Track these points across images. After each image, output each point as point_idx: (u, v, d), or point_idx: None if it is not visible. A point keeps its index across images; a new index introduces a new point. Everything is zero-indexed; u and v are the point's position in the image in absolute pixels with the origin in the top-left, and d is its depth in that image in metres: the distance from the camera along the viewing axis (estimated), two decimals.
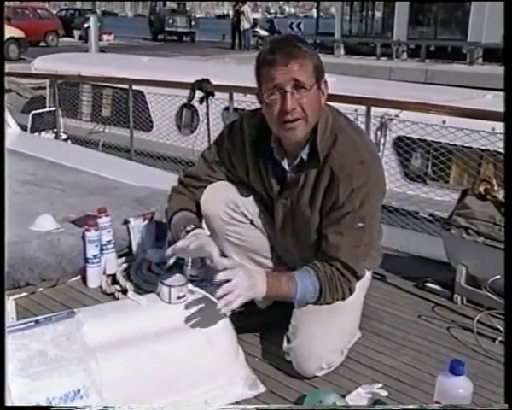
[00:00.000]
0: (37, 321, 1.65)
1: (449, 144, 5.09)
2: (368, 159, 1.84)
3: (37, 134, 6.87)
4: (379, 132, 5.85)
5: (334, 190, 1.82)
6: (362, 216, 1.82)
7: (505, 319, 1.49)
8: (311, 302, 1.88)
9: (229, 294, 1.69)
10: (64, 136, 7.01)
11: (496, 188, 2.32)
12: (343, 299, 1.89)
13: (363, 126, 4.02)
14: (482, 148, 4.84)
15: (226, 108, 6.28)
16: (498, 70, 14.15)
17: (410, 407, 1.73)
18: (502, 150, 4.55)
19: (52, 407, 1.45)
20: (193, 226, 1.89)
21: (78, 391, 1.53)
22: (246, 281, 1.73)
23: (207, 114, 4.82)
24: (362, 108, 4.02)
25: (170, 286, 1.80)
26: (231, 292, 1.69)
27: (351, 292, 1.89)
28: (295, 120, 1.78)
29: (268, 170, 1.97)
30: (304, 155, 1.88)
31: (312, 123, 1.83)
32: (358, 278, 1.90)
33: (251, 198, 2.06)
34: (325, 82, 1.83)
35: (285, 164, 1.93)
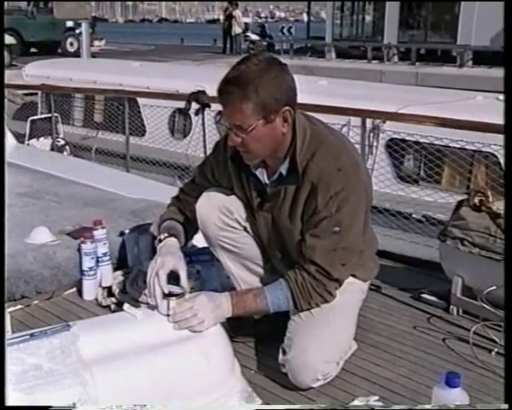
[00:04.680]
0: (32, 334, 1.64)
1: (441, 145, 5.13)
2: (346, 165, 1.85)
3: (35, 140, 6.87)
4: (371, 135, 5.87)
5: (314, 200, 1.85)
6: (338, 220, 1.84)
7: (505, 315, 1.49)
8: (291, 310, 1.93)
9: (194, 318, 1.76)
10: (62, 142, 7.00)
11: (491, 199, 2.34)
12: (326, 302, 1.91)
13: (358, 138, 4.06)
14: (474, 149, 4.88)
15: (219, 112, 6.30)
16: (488, 72, 14.34)
17: (406, 407, 1.74)
18: (494, 151, 4.60)
19: (51, 406, 1.44)
20: (166, 235, 2.00)
21: (74, 405, 1.51)
22: (207, 304, 1.80)
23: (203, 125, 4.83)
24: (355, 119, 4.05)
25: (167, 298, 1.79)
26: (196, 315, 1.76)
27: (331, 295, 1.91)
28: (243, 151, 1.86)
29: (250, 183, 2.01)
30: (283, 169, 1.91)
31: (264, 153, 1.88)
32: (337, 280, 1.91)
33: (244, 207, 2.08)
34: (288, 110, 1.80)
35: (264, 178, 1.97)
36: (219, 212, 2.05)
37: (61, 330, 1.67)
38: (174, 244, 1.99)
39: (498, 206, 2.28)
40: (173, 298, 1.80)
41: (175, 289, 1.83)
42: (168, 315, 1.78)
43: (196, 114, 4.71)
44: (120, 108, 6.79)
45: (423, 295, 2.54)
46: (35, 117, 7.33)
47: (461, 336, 2.25)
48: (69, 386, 1.52)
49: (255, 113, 1.77)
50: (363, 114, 3.86)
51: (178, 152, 7.17)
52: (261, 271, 2.14)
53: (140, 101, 7.47)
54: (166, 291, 1.82)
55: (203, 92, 4.50)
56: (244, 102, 1.75)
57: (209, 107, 4.64)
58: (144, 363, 1.67)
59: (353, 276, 2.04)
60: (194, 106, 4.66)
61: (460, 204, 2.44)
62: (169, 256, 1.91)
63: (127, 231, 2.73)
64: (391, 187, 5.41)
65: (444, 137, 4.78)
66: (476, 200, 2.35)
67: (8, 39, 19.57)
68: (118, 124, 7.49)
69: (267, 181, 1.97)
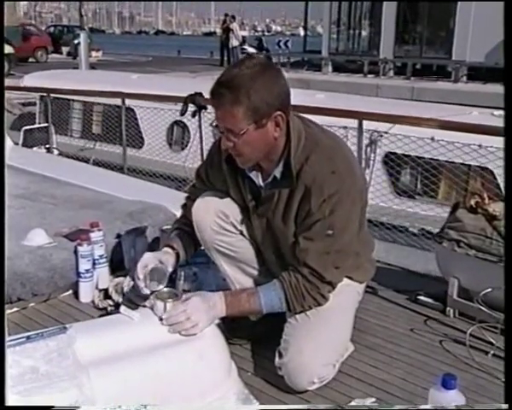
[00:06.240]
0: (28, 337, 1.64)
1: (437, 160, 5.16)
2: (340, 168, 1.85)
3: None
4: (368, 149, 5.91)
5: (307, 202, 1.85)
6: (331, 223, 1.84)
7: (505, 312, 1.49)
8: (284, 311, 1.93)
9: (187, 321, 1.75)
10: (56, 152, 7.00)
11: (486, 201, 2.35)
12: (318, 305, 1.91)
13: (354, 140, 4.08)
14: (469, 163, 4.92)
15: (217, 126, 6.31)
16: (482, 88, 14.51)
17: (405, 407, 1.74)
18: (488, 165, 4.65)
19: (52, 406, 1.44)
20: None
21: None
22: (201, 306, 1.80)
23: (200, 127, 4.84)
24: (352, 123, 4.06)
25: (164, 300, 1.79)
26: (189, 319, 1.76)
27: (324, 298, 1.91)
28: (235, 155, 1.87)
29: (246, 186, 2.01)
30: (277, 173, 1.91)
31: (256, 157, 1.88)
32: (331, 283, 1.91)
33: (240, 210, 2.08)
34: (280, 115, 1.79)
35: (259, 181, 1.97)
36: (215, 216, 2.05)
37: (57, 333, 1.67)
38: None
39: (494, 208, 2.30)
40: (169, 300, 1.80)
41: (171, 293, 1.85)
42: (161, 319, 1.78)
43: (193, 115, 4.72)
44: (118, 119, 6.80)
45: (420, 297, 2.54)
46: (28, 127, 7.32)
47: (457, 338, 2.25)
48: (66, 388, 1.51)
49: (246, 117, 1.76)
50: (359, 115, 3.88)
51: (176, 164, 7.18)
52: (256, 273, 2.14)
53: (137, 112, 7.49)
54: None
55: (200, 94, 4.52)
56: (235, 106, 1.75)
57: (205, 109, 4.65)
58: (141, 365, 1.66)
59: (349, 278, 2.04)
60: (191, 108, 4.67)
61: (456, 206, 2.45)
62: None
63: (124, 234, 2.72)
64: (387, 199, 5.44)
65: (440, 146, 4.80)
66: (472, 202, 2.36)
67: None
68: (116, 135, 7.51)
69: (262, 184, 1.97)
